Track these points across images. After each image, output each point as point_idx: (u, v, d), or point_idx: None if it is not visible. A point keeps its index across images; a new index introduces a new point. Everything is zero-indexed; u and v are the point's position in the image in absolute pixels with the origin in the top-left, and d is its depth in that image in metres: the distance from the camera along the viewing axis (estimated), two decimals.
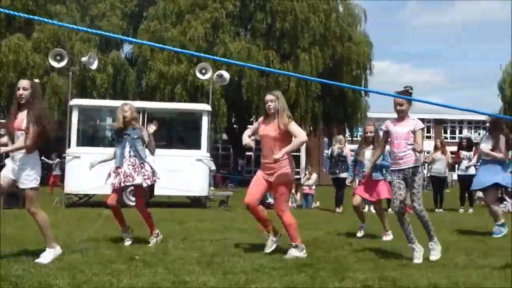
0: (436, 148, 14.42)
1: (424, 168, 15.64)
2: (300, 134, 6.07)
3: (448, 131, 51.15)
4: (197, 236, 7.47)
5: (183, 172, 12.85)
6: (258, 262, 5.46)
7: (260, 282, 4.55)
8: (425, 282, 4.62)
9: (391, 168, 6.07)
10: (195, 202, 13.88)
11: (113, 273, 4.80)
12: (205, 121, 13.39)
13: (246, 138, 6.25)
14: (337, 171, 13.24)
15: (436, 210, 13.61)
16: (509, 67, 40.73)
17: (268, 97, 6.14)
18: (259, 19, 26.79)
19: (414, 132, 5.93)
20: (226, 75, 15.93)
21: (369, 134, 8.13)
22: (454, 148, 15.00)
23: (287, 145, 5.97)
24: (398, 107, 5.98)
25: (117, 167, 6.67)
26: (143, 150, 6.80)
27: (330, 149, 14.29)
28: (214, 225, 9.08)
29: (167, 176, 12.64)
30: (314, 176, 15.43)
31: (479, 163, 8.86)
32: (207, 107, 13.94)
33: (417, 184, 5.85)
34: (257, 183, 6.10)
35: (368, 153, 8.06)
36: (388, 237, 7.69)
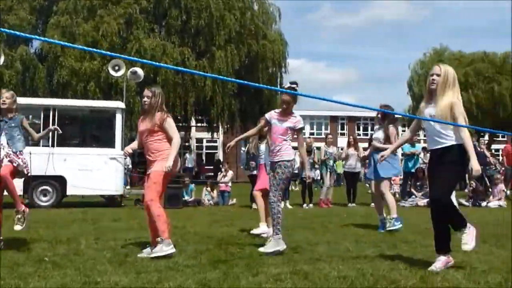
0: (349, 144, 14.88)
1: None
2: (174, 136, 6.01)
3: (361, 128, 52.85)
4: (110, 236, 7.35)
5: (97, 171, 12.62)
6: (173, 260, 5.45)
7: (173, 280, 4.55)
8: (335, 274, 4.77)
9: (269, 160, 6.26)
10: (110, 201, 13.62)
11: (20, 276, 4.65)
12: (119, 119, 13.18)
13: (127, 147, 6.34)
14: (252, 168, 13.44)
15: (349, 204, 14.04)
16: (417, 66, 42.64)
17: (145, 92, 6.11)
18: (173, 16, 26.58)
19: (294, 129, 6.15)
20: (140, 72, 15.74)
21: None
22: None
23: (165, 140, 6.00)
24: (284, 105, 6.14)
25: None
26: (20, 139, 6.31)
27: (247, 146, 14.46)
28: (129, 224, 8.97)
29: (80, 175, 12.45)
30: (230, 173, 15.54)
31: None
32: (121, 104, 13.73)
33: (279, 177, 6.05)
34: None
35: (262, 147, 8.29)
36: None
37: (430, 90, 5.20)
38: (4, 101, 6.27)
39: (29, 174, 6.42)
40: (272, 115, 6.22)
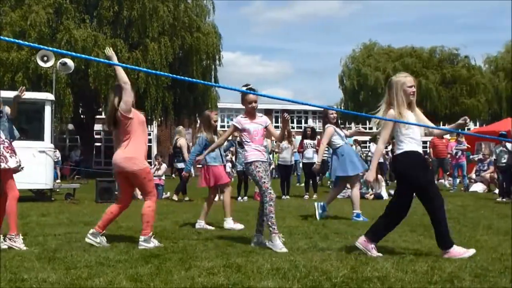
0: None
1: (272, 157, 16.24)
2: None
3: (295, 121, 53.51)
4: (39, 231, 7.17)
5: (25, 164, 12.15)
6: (104, 255, 5.36)
7: (104, 275, 4.47)
8: (268, 266, 4.82)
9: (256, 160, 6.10)
10: (39, 195, 13.21)
11: None
12: (48, 111, 12.80)
13: None
14: (175, 161, 13.64)
15: (283, 197, 14.19)
16: (348, 61, 43.51)
17: None
18: (105, 6, 25.95)
19: (267, 127, 6.31)
20: (70, 63, 15.32)
21: (213, 123, 8.33)
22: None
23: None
24: (253, 104, 6.23)
25: None
26: None
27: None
28: (59, 219, 8.75)
29: None
30: (164, 166, 15.40)
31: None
32: (50, 96, 13.34)
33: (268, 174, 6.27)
34: None
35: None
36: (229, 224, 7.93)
37: (410, 101, 5.54)
38: None
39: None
40: (242, 121, 6.22)
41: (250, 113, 6.26)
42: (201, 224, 7.91)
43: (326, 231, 7.31)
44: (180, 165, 13.66)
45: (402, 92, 5.48)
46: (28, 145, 12.39)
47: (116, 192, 13.49)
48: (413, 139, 5.44)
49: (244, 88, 6.17)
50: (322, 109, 9.41)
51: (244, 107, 6.30)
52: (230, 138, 8.55)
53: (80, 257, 5.25)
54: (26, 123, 14.29)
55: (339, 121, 9.60)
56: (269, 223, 5.93)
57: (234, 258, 5.22)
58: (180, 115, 30.00)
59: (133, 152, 5.97)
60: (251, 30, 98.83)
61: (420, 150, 5.53)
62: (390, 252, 5.55)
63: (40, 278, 4.35)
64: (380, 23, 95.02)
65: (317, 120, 57.29)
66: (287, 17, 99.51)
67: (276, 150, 15.32)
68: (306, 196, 14.19)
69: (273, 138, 8.94)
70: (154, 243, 5.98)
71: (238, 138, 15.80)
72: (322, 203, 8.92)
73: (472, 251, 5.27)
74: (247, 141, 6.20)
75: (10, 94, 14.56)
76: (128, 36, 26.59)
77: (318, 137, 15.65)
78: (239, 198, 13.74)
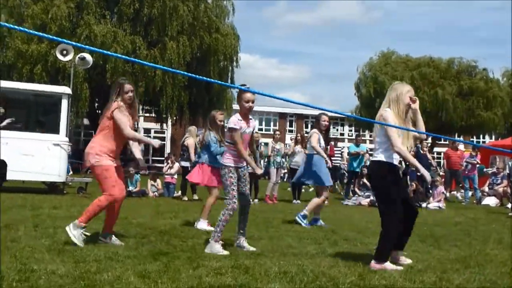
0: (296, 142, 15.02)
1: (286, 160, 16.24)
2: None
3: (309, 126, 53.43)
4: (50, 223, 7.21)
5: (39, 156, 12.30)
6: (113, 250, 5.39)
7: (112, 270, 4.49)
8: (276, 269, 4.81)
9: (231, 165, 5.89)
10: (52, 188, 13.31)
11: None
12: (64, 104, 12.88)
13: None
14: (179, 159, 13.82)
15: (294, 201, 14.17)
16: (365, 68, 43.33)
17: (130, 87, 6.13)
18: (126, 3, 26.11)
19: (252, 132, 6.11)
20: (89, 58, 15.43)
21: (219, 123, 8.23)
22: None
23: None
24: (250, 103, 5.90)
25: None
26: None
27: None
28: (70, 212, 8.80)
29: (22, 160, 12.11)
30: (176, 165, 15.45)
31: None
32: (67, 90, 13.42)
33: (248, 179, 6.13)
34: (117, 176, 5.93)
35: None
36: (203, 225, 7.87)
37: (249, 113, 5.72)
38: None
39: None
40: (240, 123, 5.88)
41: (246, 114, 5.96)
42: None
43: (336, 237, 7.29)
44: (184, 163, 13.70)
45: (402, 99, 5.34)
46: (43, 137, 12.54)
47: (130, 188, 13.60)
48: (389, 150, 5.25)
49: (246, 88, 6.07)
50: (318, 113, 9.24)
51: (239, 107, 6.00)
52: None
53: (90, 251, 5.28)
54: (43, 115, 14.44)
55: (330, 129, 9.52)
56: (218, 228, 5.78)
57: (242, 260, 5.22)
58: (195, 114, 30.07)
59: (94, 147, 5.86)
60: (271, 32, 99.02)
61: (397, 162, 5.31)
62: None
63: (49, 270, 4.38)
64: (399, 31, 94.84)
65: (331, 126, 57.22)
66: (308, 20, 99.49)
67: (289, 152, 15.27)
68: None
69: (288, 142, 8.86)
70: (79, 236, 5.64)
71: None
72: (302, 213, 8.81)
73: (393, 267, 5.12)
74: (229, 143, 5.93)
75: (27, 86, 14.79)
76: (147, 33, 26.72)
77: (332, 142, 15.63)
78: (294, 201, 13.88)
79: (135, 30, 26.50)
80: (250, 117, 6.07)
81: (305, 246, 6.33)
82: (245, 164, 6.01)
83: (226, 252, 5.64)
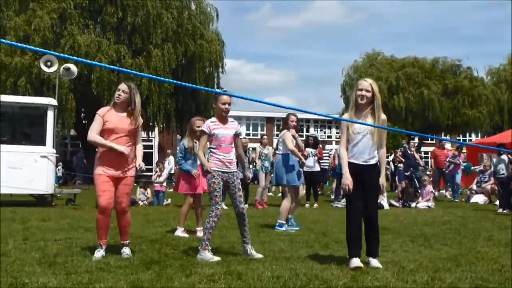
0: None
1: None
2: (140, 141, 6.06)
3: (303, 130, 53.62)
4: (39, 236, 7.16)
5: (27, 169, 12.21)
6: (104, 261, 5.37)
7: (104, 281, 4.48)
8: (268, 274, 4.82)
9: (214, 170, 5.80)
10: (40, 200, 13.21)
11: None
12: (50, 116, 12.82)
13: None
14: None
15: (307, 205, 14.10)
16: (351, 71, 43.53)
17: (123, 86, 5.88)
18: (109, 13, 26.03)
19: (237, 134, 6.03)
20: (74, 68, 15.39)
21: (196, 129, 8.01)
22: None
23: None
24: (226, 105, 5.85)
25: None
26: None
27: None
28: (59, 224, 8.74)
29: (9, 173, 12.01)
30: (165, 173, 15.40)
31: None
32: (52, 101, 13.35)
33: (238, 186, 6.05)
34: (109, 185, 5.72)
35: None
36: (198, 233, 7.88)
37: (359, 104, 5.42)
38: None
39: None
40: (211, 126, 5.85)
41: (222, 116, 5.90)
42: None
43: (327, 240, 7.31)
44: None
45: (354, 95, 5.42)
46: (30, 149, 12.45)
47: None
48: (352, 150, 5.35)
49: (224, 90, 6.03)
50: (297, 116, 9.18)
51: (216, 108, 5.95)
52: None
53: (81, 262, 5.25)
54: (29, 128, 14.35)
55: (298, 127, 9.42)
56: (205, 237, 5.75)
57: (234, 266, 5.22)
58: (182, 122, 29.98)
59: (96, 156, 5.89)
60: (256, 37, 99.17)
61: (359, 161, 5.33)
62: (391, 262, 5.55)
63: (40, 283, 4.36)
64: (383, 32, 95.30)
65: (318, 129, 57.42)
66: (292, 24, 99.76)
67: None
68: (307, 205, 14.15)
69: (294, 147, 8.66)
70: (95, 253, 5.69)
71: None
72: (277, 224, 8.74)
73: None
74: (212, 148, 5.90)
75: (12, 98, 14.69)
76: (132, 42, 26.66)
77: (320, 145, 15.67)
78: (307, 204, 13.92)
79: (119, 39, 26.43)
80: (232, 120, 6.03)
81: (297, 250, 6.34)
82: (233, 169, 5.95)
83: (217, 258, 5.65)
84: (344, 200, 14.73)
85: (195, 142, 8.02)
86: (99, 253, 5.63)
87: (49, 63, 15.34)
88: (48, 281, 4.44)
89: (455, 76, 41.73)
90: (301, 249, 6.43)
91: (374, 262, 5.32)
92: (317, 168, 14.41)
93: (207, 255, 5.67)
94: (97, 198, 5.69)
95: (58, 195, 13.78)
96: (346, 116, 5.41)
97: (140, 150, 5.94)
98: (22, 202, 12.75)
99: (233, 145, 6.00)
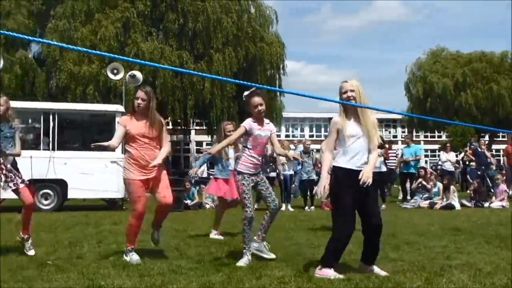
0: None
1: None
2: (167, 144, 6.02)
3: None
4: (112, 239, 7.33)
5: (98, 174, 12.59)
6: (176, 263, 5.44)
7: (177, 283, 4.54)
8: (340, 277, 4.73)
9: (245, 172, 5.68)
10: (111, 204, 13.61)
11: (24, 280, 4.66)
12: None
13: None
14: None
15: (306, 208, 13.80)
16: (414, 68, 42.64)
17: (140, 94, 5.89)
18: (171, 19, 26.53)
19: (270, 136, 5.88)
20: (139, 75, 15.77)
21: (227, 133, 7.83)
22: None
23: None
24: (259, 107, 5.71)
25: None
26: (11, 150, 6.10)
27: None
28: None
29: (81, 178, 12.43)
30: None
31: None
32: (120, 108, 13.71)
33: (267, 183, 5.90)
34: (143, 190, 5.77)
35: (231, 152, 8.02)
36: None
37: (261, 117, 5.46)
38: None
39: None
40: (251, 125, 5.72)
41: (258, 118, 5.76)
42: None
43: (397, 241, 7.14)
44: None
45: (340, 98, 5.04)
46: (100, 155, 12.81)
47: (187, 201, 13.75)
48: (345, 154, 4.94)
49: (247, 93, 5.80)
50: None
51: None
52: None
53: (153, 265, 5.34)
54: (97, 134, 14.77)
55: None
56: (244, 240, 5.66)
57: (304, 268, 5.17)
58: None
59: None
60: (316, 38, 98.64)
61: (354, 166, 4.92)
62: (466, 264, 5.36)
63: (116, 285, 4.46)
64: (446, 27, 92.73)
65: (383, 129, 56.49)
66: (352, 24, 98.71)
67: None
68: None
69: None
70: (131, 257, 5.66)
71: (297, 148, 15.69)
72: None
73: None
74: (248, 147, 5.74)
75: (82, 106, 15.19)
76: (194, 47, 27.05)
77: (386, 145, 15.34)
78: (306, 207, 13.64)
79: (181, 45, 26.87)
80: (268, 121, 5.92)
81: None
82: (259, 169, 5.85)
83: (272, 256, 5.64)
84: (413, 200, 14.49)
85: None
86: (135, 256, 5.66)
87: (115, 71, 15.81)
88: (123, 283, 4.53)
89: None
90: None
91: (378, 270, 5.01)
92: (384, 168, 14.13)
93: (244, 259, 5.58)
94: (133, 204, 5.76)
95: (128, 199, 14.11)
96: (339, 120, 5.01)
97: (163, 152, 5.88)
98: (94, 206, 13.15)
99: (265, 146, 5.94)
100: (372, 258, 5.10)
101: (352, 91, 4.95)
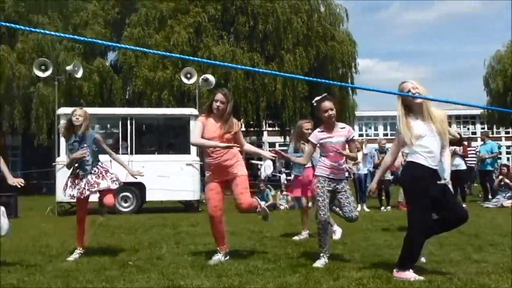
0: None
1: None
2: (244, 142, 6.23)
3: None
4: (190, 240, 7.50)
5: (174, 177, 12.89)
6: (252, 264, 5.49)
7: (254, 283, 4.58)
8: (420, 278, 4.63)
9: (320, 175, 5.63)
10: (188, 206, 13.89)
11: (107, 280, 4.83)
12: (193, 125, 13.41)
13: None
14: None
15: (382, 208, 13.55)
16: (493, 61, 40.99)
17: (220, 97, 5.84)
18: (241, 22, 26.76)
19: (348, 141, 5.73)
20: (212, 78, 15.99)
21: (305, 131, 7.77)
22: None
23: None
24: (329, 112, 5.60)
25: (75, 177, 6.29)
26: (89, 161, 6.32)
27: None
28: (207, 229, 8.96)
29: (158, 181, 12.76)
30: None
31: None
32: (194, 111, 13.95)
33: (348, 193, 5.71)
34: (213, 193, 5.92)
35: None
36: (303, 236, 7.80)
37: (328, 123, 5.61)
38: (77, 118, 6.23)
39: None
40: (318, 135, 5.69)
41: (328, 124, 5.68)
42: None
43: (480, 242, 6.90)
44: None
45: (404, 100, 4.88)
46: (176, 158, 13.14)
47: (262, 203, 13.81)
48: (417, 153, 4.77)
49: (318, 98, 5.69)
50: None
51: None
52: None
53: (230, 266, 5.40)
54: (173, 138, 15.15)
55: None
56: (321, 243, 5.59)
57: (382, 269, 5.08)
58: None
59: None
60: (388, 35, 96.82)
61: (430, 164, 4.74)
62: None
63: (195, 285, 4.55)
64: None
65: (461, 125, 54.85)
66: (424, 18, 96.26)
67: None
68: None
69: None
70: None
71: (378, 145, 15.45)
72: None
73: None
74: (322, 155, 5.71)
75: (158, 111, 15.60)
76: (264, 49, 27.16)
77: (465, 143, 14.84)
78: (382, 208, 13.41)
79: (252, 47, 27.05)
80: (343, 125, 5.79)
81: (448, 253, 6.02)
82: (341, 176, 5.70)
83: (321, 265, 5.44)
84: (495, 199, 13.92)
85: (303, 144, 7.68)
86: (216, 257, 5.79)
87: (188, 75, 16.10)
88: (202, 283, 4.61)
89: None
90: (452, 252, 6.11)
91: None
92: (463, 166, 13.67)
93: (321, 261, 5.51)
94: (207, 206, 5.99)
95: (204, 201, 14.37)
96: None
97: (251, 147, 6.39)
98: (171, 208, 13.46)
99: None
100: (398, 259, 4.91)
101: (415, 88, 4.87)
